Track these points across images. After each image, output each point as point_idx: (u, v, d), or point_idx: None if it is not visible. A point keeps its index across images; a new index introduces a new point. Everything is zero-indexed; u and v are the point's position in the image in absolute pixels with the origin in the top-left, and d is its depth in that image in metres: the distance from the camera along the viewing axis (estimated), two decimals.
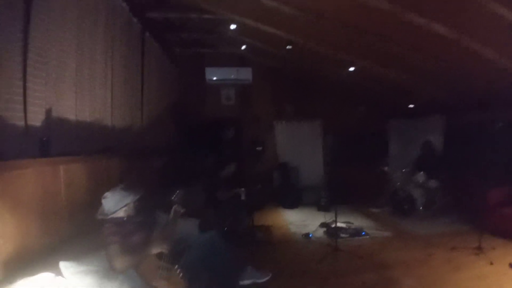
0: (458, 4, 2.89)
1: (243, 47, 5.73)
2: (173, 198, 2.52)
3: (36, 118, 1.95)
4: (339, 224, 4.20)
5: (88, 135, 2.64)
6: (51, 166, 1.98)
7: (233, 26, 4.80)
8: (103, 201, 2.05)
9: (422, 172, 5.22)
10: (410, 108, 6.22)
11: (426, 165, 5.35)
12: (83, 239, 2.00)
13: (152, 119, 4.49)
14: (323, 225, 4.57)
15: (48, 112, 2.09)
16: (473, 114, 5.19)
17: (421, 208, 5.05)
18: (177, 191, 2.55)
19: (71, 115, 2.39)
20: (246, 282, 2.55)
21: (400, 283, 2.86)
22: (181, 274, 1.95)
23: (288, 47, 4.71)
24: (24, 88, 1.85)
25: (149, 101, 4.40)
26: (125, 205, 2.07)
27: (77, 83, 2.47)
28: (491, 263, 3.07)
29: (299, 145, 6.74)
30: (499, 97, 4.45)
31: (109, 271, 1.68)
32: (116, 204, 2.03)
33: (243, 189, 4.24)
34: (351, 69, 5.09)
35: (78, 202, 2.17)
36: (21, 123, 1.82)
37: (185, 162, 5.77)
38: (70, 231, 2.02)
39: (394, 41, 4.00)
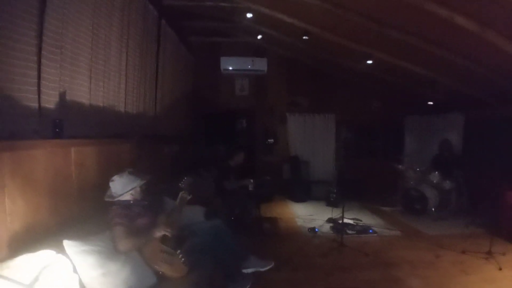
0: None
1: (259, 36, 5.67)
2: (180, 184, 2.58)
3: (50, 101, 2.00)
4: (346, 221, 4.18)
5: (101, 120, 2.69)
6: (62, 148, 2.04)
7: (249, 15, 4.74)
8: (111, 184, 2.10)
9: (437, 172, 5.07)
10: (429, 104, 6.00)
11: (442, 165, 5.19)
12: (90, 220, 2.06)
13: (165, 106, 4.54)
14: (330, 220, 4.55)
15: (62, 95, 2.14)
16: (493, 111, 4.96)
17: (433, 209, 4.92)
18: (185, 178, 2.60)
19: (84, 99, 2.44)
20: (249, 270, 2.58)
21: (404, 283, 2.82)
22: (183, 259, 1.99)
23: (304, 37, 4.61)
24: (39, 70, 1.89)
25: (163, 88, 4.44)
26: (131, 189, 2.12)
27: (92, 68, 2.51)
28: (500, 269, 2.99)
29: (312, 139, 6.67)
30: None
31: (112, 252, 1.74)
32: (123, 187, 2.08)
33: (252, 180, 4.25)
34: (369, 62, 4.93)
35: (88, 184, 2.23)
36: (34, 104, 1.87)
37: (196, 151, 5.85)
38: (78, 212, 2.09)
39: (414, 34, 3.84)
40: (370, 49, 4.72)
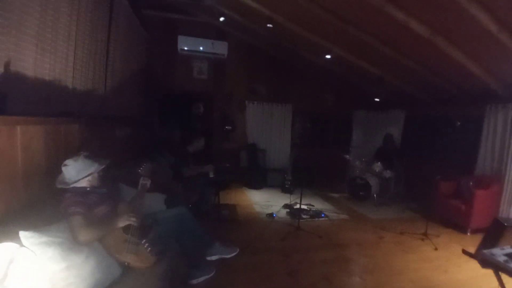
0: (438, 4, 2.99)
1: (221, 18, 5.47)
2: (139, 171, 2.41)
3: None
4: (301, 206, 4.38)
5: (46, 95, 2.36)
6: (6, 125, 1.74)
7: None
8: (64, 168, 1.87)
9: (379, 163, 5.58)
10: (375, 100, 6.51)
11: (384, 156, 5.72)
12: (40, 208, 1.82)
13: (116, 85, 4.14)
14: (286, 206, 4.73)
15: (6, 65, 1.82)
16: (432, 110, 5.58)
17: (375, 195, 5.43)
18: (144, 164, 2.44)
19: (29, 71, 2.11)
20: (213, 257, 2.57)
21: (355, 261, 3.12)
22: (149, 249, 1.89)
23: (268, 25, 4.58)
24: None
25: (114, 65, 4.04)
26: (88, 175, 1.92)
27: (39, 37, 2.17)
28: (436, 249, 3.44)
29: (269, 127, 6.76)
30: (462, 96, 4.82)
31: (74, 244, 1.56)
32: (78, 173, 1.87)
33: (211, 166, 4.17)
34: (328, 56, 5.12)
35: (36, 167, 1.95)
36: None
37: (150, 135, 5.52)
38: (26, 199, 1.83)
39: (370, 33, 4.09)
40: (329, 43, 4.90)
